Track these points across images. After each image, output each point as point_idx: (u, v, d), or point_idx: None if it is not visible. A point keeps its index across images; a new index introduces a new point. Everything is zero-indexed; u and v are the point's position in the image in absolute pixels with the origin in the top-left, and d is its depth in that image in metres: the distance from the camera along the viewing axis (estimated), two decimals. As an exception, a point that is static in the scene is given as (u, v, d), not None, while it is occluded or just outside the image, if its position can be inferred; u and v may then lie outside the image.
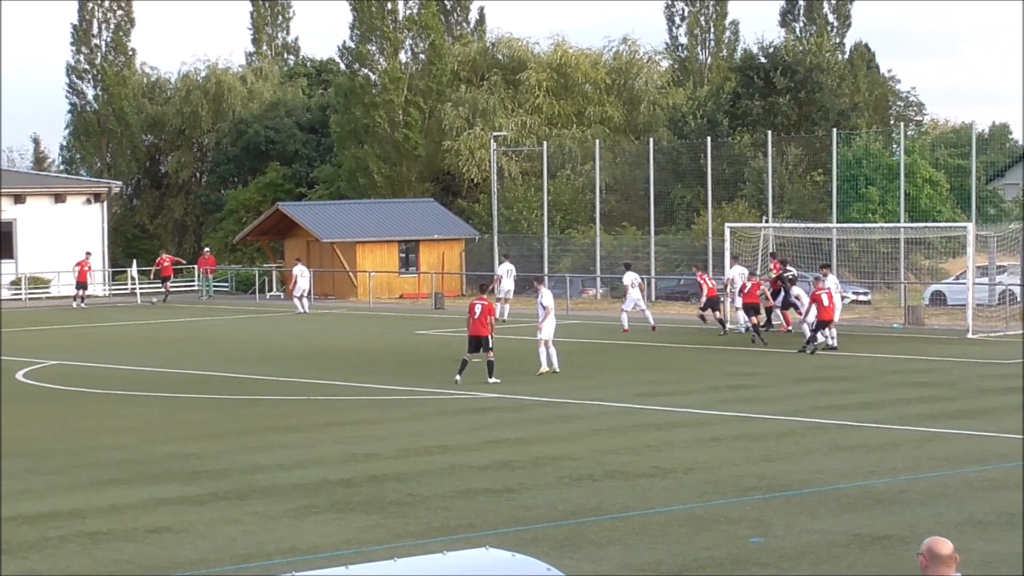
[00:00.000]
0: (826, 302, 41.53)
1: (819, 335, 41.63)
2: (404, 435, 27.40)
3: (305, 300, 61.24)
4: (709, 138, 63.85)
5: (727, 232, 51.80)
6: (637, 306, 48.58)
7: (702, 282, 48.42)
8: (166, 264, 72.17)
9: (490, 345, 34.72)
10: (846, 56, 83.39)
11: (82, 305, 65.39)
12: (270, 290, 72.72)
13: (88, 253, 69.36)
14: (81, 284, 66.98)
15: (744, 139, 68.23)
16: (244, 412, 31.15)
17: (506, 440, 26.63)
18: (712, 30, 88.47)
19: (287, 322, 56.82)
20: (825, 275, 43.80)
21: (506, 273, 56.65)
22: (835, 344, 42.23)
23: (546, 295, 37.73)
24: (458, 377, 34.64)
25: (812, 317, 42.06)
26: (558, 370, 36.60)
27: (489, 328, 34.73)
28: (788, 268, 47.35)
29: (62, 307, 65.75)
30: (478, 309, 34.83)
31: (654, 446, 25.72)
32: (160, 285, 71.64)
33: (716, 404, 31.11)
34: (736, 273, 47.70)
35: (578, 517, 20.03)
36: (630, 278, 48.82)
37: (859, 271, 59.64)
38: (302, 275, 61.75)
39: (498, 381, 34.54)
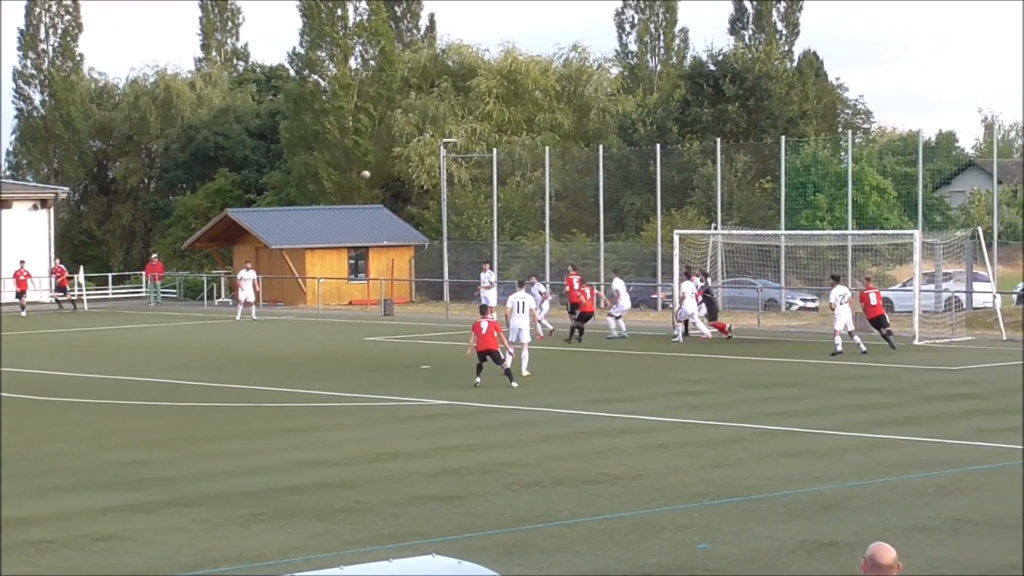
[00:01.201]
0: (873, 301, 43.68)
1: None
2: (353, 442, 27.35)
3: (242, 308, 60.36)
4: (659, 145, 64.01)
5: (676, 239, 51.94)
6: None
7: (568, 285, 49.99)
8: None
9: (503, 357, 35.73)
10: (795, 64, 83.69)
11: (22, 313, 64.70)
12: (219, 297, 72.45)
13: (22, 261, 68.36)
14: (21, 293, 66.28)
15: (693, 146, 68.41)
16: (192, 419, 31.02)
17: (455, 447, 26.61)
18: (662, 37, 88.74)
19: (235, 329, 56.61)
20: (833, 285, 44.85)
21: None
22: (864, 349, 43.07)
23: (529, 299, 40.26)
24: (478, 379, 35.43)
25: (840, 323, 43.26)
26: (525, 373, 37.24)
27: (498, 341, 35.67)
28: (704, 278, 47.89)
29: (10, 314, 65.30)
30: (484, 326, 35.60)
31: (602, 453, 25.75)
32: (62, 294, 69.82)
33: (664, 411, 31.18)
34: (688, 289, 47.87)
35: (526, 524, 20.04)
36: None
37: (807, 278, 59.92)
38: (246, 280, 61.15)
39: (517, 385, 35.32)
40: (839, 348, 42.66)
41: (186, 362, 43.22)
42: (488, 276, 53.27)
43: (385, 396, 34.25)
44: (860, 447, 26.15)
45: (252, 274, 61.55)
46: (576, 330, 47.71)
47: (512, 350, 36.55)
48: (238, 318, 59.54)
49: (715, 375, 38.21)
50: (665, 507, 21.02)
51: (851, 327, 43.44)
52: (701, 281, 48.23)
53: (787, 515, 20.35)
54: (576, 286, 48.88)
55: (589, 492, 22.20)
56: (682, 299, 48.20)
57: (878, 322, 43.96)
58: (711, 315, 47.81)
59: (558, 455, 25.52)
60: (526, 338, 38.44)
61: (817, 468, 23.93)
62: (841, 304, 43.35)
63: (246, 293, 60.70)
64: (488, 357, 35.59)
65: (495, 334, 35.61)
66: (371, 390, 35.33)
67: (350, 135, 79.07)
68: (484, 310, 37.38)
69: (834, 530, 19.36)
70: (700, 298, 47.84)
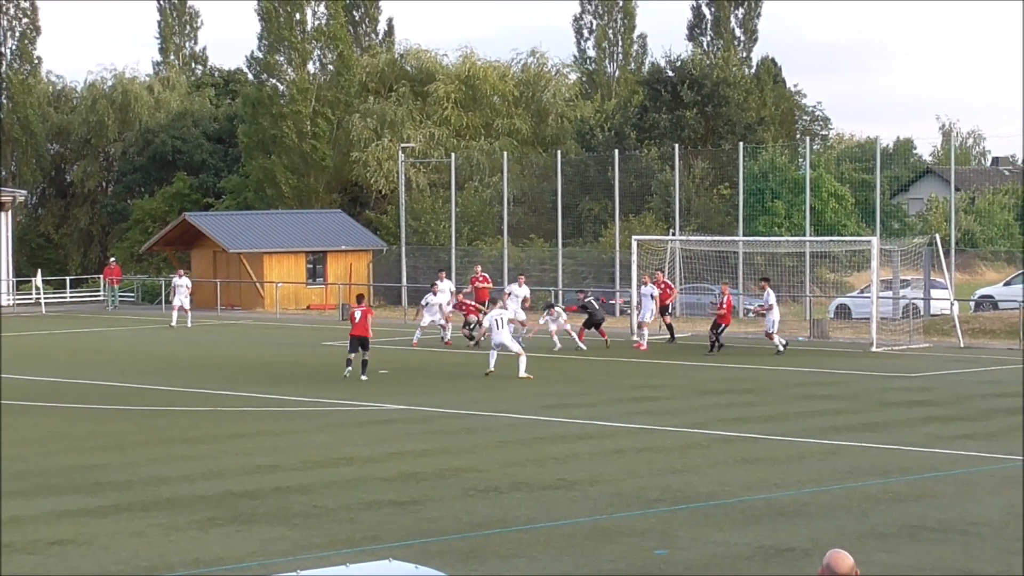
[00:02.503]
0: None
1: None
2: (309, 446, 27.27)
3: (177, 314, 58.89)
4: (617, 151, 64.11)
5: (634, 245, 52.03)
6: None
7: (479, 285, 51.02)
8: None
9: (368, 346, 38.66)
10: (753, 70, 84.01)
11: None
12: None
13: None
14: None
15: (651, 152, 68.56)
16: (148, 423, 30.88)
17: (411, 452, 26.56)
18: (620, 43, 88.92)
19: (193, 333, 56.41)
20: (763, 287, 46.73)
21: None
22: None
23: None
24: (348, 371, 38.28)
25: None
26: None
27: (368, 330, 38.64)
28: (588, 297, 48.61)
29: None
30: (358, 315, 38.59)
31: (559, 458, 25.74)
32: None
33: (621, 416, 31.20)
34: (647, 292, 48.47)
35: (483, 529, 20.01)
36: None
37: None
38: (180, 287, 59.61)
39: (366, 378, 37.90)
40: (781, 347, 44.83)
41: (142, 366, 43.03)
42: (447, 284, 52.44)
43: (342, 400, 34.17)
44: (817, 453, 26.21)
45: (186, 281, 60.09)
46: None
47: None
48: (173, 324, 58.43)
49: (672, 381, 38.27)
50: (622, 513, 21.02)
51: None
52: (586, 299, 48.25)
53: (744, 521, 20.38)
54: (479, 285, 50.65)
55: (546, 498, 22.18)
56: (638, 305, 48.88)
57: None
58: (593, 324, 47.79)
59: (515, 460, 25.50)
60: (516, 348, 39.11)
61: (774, 474, 23.98)
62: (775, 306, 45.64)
63: (180, 299, 59.21)
64: (360, 346, 38.20)
65: (367, 321, 38.37)
66: (328, 395, 35.25)
67: (308, 139, 78.97)
68: (360, 299, 40.13)
69: (791, 536, 19.40)
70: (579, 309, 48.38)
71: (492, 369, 38.73)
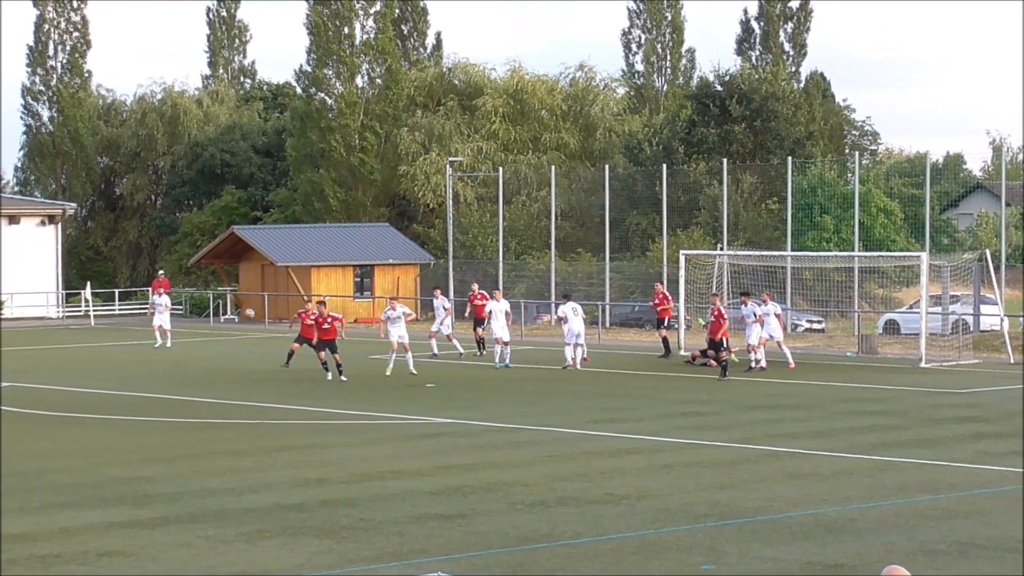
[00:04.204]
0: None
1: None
2: (356, 460, 27.31)
3: (160, 335, 55.30)
4: (664, 165, 64.02)
5: (682, 259, 51.94)
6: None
7: (470, 301, 50.90)
8: None
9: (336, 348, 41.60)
10: (801, 85, 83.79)
11: None
12: (224, 313, 72.47)
13: None
14: None
15: (699, 167, 68.45)
16: (195, 436, 30.99)
17: (459, 466, 26.57)
18: (668, 58, 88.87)
19: (241, 345, 56.60)
20: (744, 302, 45.73)
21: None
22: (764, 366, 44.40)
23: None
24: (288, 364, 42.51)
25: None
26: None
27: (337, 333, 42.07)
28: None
29: (15, 329, 65.36)
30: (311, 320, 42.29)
31: (606, 473, 25.70)
32: None
33: (669, 431, 31.13)
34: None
35: (530, 543, 19.99)
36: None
37: (813, 299, 59.84)
38: (160, 304, 55.98)
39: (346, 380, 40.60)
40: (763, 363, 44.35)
41: (189, 379, 43.21)
42: (441, 302, 51.82)
43: (389, 414, 34.22)
44: (866, 469, 26.07)
45: (166, 299, 56.60)
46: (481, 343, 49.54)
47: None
48: (156, 346, 54.80)
49: (720, 396, 38.15)
50: (669, 528, 20.97)
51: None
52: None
53: (791, 537, 20.30)
54: (479, 301, 50.25)
55: (593, 512, 22.14)
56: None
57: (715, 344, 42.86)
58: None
59: (562, 475, 25.47)
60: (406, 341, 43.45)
61: (822, 490, 23.87)
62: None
63: (160, 319, 55.53)
64: (328, 348, 41.48)
65: (324, 326, 41.82)
66: (375, 408, 35.30)
67: (356, 153, 79.17)
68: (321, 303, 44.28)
69: (839, 553, 19.30)
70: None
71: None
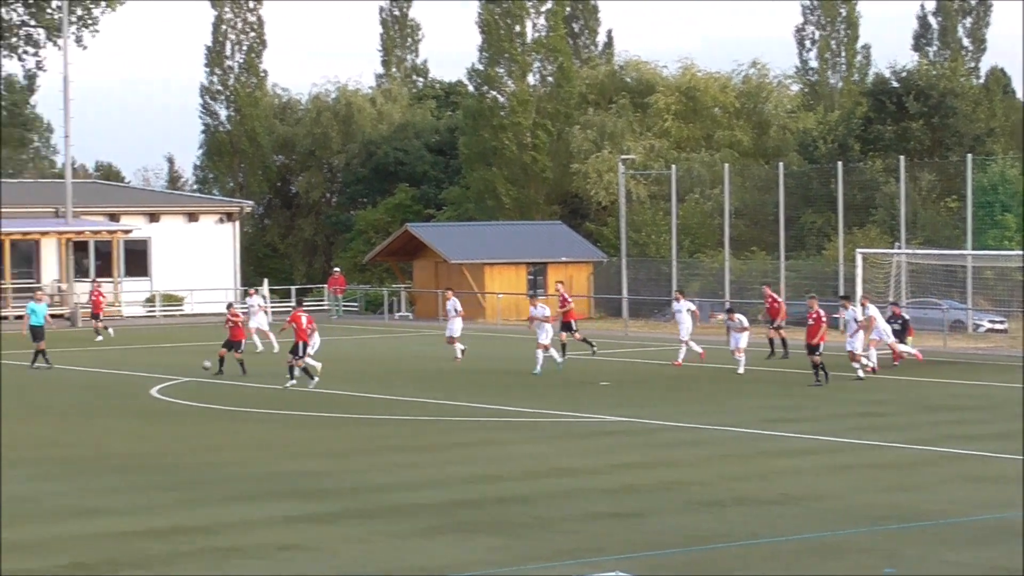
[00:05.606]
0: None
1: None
2: (531, 457, 27.30)
3: (260, 339, 51.77)
4: (840, 163, 63.19)
5: (858, 258, 51.21)
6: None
7: (562, 299, 48.98)
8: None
9: (301, 353, 39.53)
10: (981, 81, 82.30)
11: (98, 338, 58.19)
12: (399, 310, 73.01)
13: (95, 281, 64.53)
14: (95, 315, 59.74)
15: (876, 164, 67.53)
16: (371, 431, 31.21)
17: (632, 464, 26.43)
18: (843, 54, 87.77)
19: (414, 343, 56.97)
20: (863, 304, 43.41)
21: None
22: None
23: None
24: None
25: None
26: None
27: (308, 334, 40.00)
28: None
29: (195, 324, 66.41)
30: (304, 319, 39.85)
31: (783, 473, 25.40)
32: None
33: (847, 431, 30.68)
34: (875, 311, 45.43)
35: (706, 543, 19.79)
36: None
37: (995, 299, 58.58)
38: (256, 308, 53.06)
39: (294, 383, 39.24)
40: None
41: (365, 374, 43.55)
42: (453, 304, 49.12)
43: (563, 412, 34.18)
44: (1051, 473, 25.45)
45: (258, 299, 54.26)
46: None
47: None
48: (258, 351, 50.77)
49: (898, 397, 37.53)
50: (848, 530, 20.63)
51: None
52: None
53: (975, 542, 19.86)
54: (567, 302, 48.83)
55: (770, 512, 21.88)
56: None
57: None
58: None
59: (738, 474, 25.22)
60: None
61: (1008, 494, 23.31)
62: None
63: (256, 321, 52.30)
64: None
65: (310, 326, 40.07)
66: (548, 406, 35.26)
67: (528, 151, 79.30)
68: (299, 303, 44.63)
69: (1025, 557, 18.85)
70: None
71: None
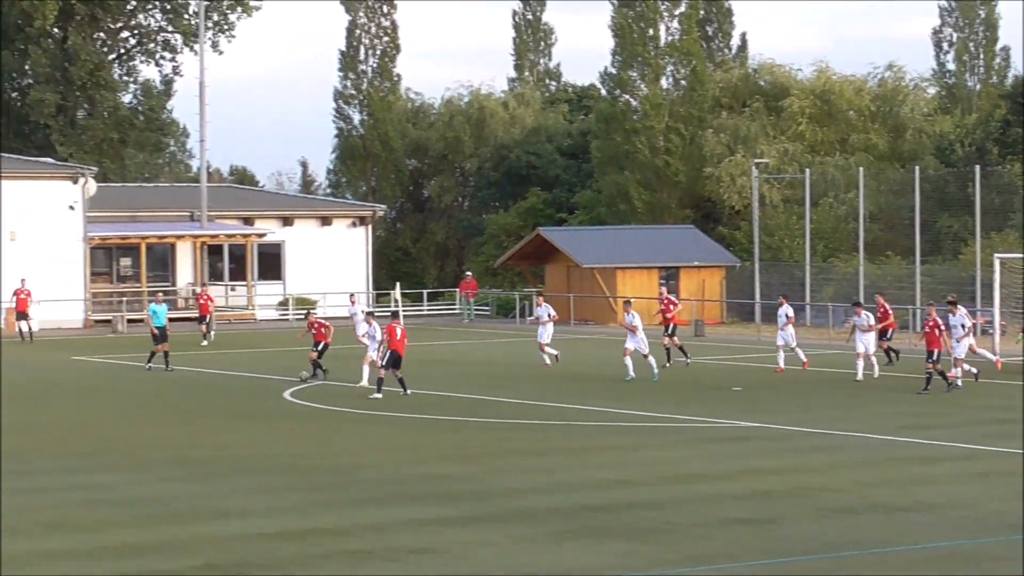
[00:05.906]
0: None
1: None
2: (661, 462, 27.23)
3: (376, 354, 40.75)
4: (978, 166, 62.36)
5: (996, 263, 50.47)
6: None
7: (664, 305, 49.15)
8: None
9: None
10: None
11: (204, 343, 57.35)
12: (530, 315, 73.07)
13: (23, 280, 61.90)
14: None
15: (1015, 168, 66.57)
16: (501, 435, 31.28)
17: (764, 469, 26.27)
18: (981, 56, 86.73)
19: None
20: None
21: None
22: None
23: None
24: (378, 395, 37.50)
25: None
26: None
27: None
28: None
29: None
30: (399, 332, 38.53)
31: (917, 480, 25.12)
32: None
33: (984, 438, 30.24)
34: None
35: (839, 550, 19.62)
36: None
37: None
38: (360, 317, 48.45)
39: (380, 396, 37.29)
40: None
41: (495, 378, 43.67)
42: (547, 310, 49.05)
43: (694, 417, 34.04)
44: None
45: (361, 305, 53.80)
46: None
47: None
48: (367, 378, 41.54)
49: (1036, 403, 36.91)
50: (984, 539, 20.35)
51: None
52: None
53: (1115, 551, 19.51)
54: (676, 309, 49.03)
55: (903, 520, 21.64)
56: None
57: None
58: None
59: (871, 481, 24.97)
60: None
61: None
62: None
63: (362, 329, 45.82)
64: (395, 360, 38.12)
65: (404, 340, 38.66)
66: (679, 411, 35.14)
67: (661, 155, 79.08)
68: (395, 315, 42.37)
69: None
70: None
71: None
